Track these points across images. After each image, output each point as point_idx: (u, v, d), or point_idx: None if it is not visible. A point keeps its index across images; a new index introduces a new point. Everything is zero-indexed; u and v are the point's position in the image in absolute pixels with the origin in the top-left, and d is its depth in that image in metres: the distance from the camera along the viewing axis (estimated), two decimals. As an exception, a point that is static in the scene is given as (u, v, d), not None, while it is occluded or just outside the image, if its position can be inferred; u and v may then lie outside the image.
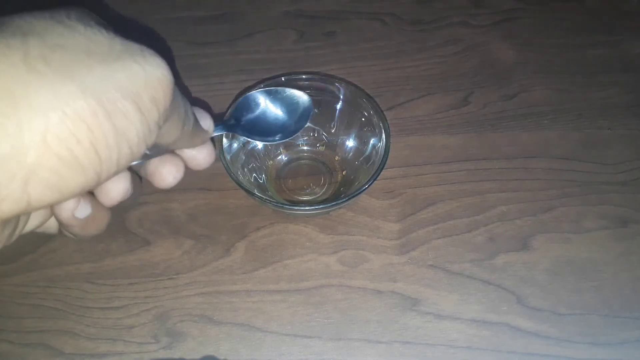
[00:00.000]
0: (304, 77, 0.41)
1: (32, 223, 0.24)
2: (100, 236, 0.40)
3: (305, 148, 0.43)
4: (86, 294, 0.37)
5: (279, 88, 0.33)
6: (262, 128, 0.33)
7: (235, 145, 0.38)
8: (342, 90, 0.40)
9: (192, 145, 0.26)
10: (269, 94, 0.33)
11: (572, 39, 0.52)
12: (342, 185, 0.41)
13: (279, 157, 0.43)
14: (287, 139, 0.34)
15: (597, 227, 0.40)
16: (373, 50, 0.51)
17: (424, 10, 0.54)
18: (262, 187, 0.40)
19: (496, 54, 0.51)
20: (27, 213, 0.19)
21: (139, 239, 0.39)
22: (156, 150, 0.25)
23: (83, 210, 0.23)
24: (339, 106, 0.41)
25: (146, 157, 0.25)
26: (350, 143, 0.42)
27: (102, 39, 0.18)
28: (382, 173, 0.36)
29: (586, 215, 0.41)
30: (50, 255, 0.39)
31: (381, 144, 0.37)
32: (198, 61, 0.50)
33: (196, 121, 0.25)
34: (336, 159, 0.43)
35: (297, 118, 0.34)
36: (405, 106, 0.47)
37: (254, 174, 0.41)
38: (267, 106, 0.33)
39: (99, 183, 0.19)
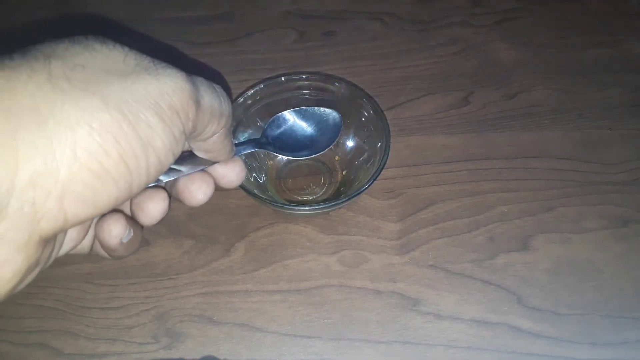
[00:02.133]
0: (304, 77, 0.41)
1: (66, 247, 0.24)
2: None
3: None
4: (86, 294, 0.37)
5: (309, 107, 0.35)
6: (292, 144, 0.34)
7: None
8: (342, 90, 0.40)
9: (221, 152, 0.26)
10: (299, 112, 0.35)
11: (572, 39, 0.52)
12: (342, 185, 0.41)
13: (279, 157, 0.43)
14: (317, 154, 0.35)
15: (597, 227, 0.40)
16: (373, 50, 0.51)
17: (424, 10, 0.54)
18: (262, 187, 0.40)
19: (496, 54, 0.51)
20: (64, 231, 0.19)
21: (139, 239, 0.39)
22: (189, 164, 0.25)
23: (128, 234, 0.24)
24: (339, 106, 0.41)
25: (179, 174, 0.25)
26: (350, 143, 0.42)
27: (117, 55, 0.19)
28: (382, 173, 0.36)
29: (586, 215, 0.41)
30: (50, 256, 0.39)
31: (381, 144, 0.37)
32: (198, 61, 0.50)
33: (231, 132, 0.26)
34: (336, 159, 0.43)
35: (327, 134, 0.35)
36: (405, 106, 0.47)
37: (254, 174, 0.41)
38: (296, 123, 0.35)
39: (131, 194, 0.19)
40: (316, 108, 0.35)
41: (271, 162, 0.43)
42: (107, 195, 0.18)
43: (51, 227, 0.18)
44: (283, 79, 0.40)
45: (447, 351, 0.35)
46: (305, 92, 0.41)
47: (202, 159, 0.26)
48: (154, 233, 0.40)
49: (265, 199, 0.35)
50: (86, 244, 0.26)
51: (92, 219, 0.20)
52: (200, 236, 0.40)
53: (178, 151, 0.21)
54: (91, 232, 0.26)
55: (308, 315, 0.36)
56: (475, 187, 0.42)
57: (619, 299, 0.37)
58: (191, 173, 0.26)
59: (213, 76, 0.24)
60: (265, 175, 0.42)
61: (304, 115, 0.35)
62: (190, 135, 0.22)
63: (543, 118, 0.46)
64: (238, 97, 0.39)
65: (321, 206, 0.35)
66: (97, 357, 0.35)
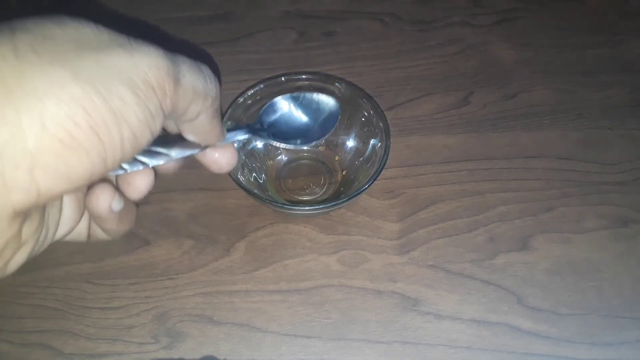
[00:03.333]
0: (304, 77, 0.41)
1: (62, 230, 0.24)
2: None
3: (305, 148, 0.43)
4: (86, 294, 0.37)
5: (306, 93, 0.34)
6: (288, 132, 0.33)
7: (235, 145, 0.38)
8: (342, 90, 0.40)
9: (209, 135, 0.26)
10: (295, 99, 0.34)
11: (572, 39, 0.52)
12: (342, 186, 0.41)
13: (279, 157, 0.43)
14: (314, 142, 0.33)
15: (597, 227, 0.40)
16: (373, 50, 0.51)
17: (424, 10, 0.54)
18: (262, 187, 0.40)
19: (496, 54, 0.51)
20: (40, 205, 0.18)
21: (139, 239, 0.39)
22: (178, 148, 0.25)
23: (117, 202, 0.24)
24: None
25: (168, 158, 0.25)
26: (350, 143, 0.42)
27: (90, 31, 0.19)
28: (382, 173, 0.36)
29: (586, 215, 0.41)
30: (50, 255, 0.39)
31: (381, 144, 0.37)
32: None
33: (219, 113, 0.25)
34: (336, 159, 0.43)
35: (323, 122, 0.34)
36: (405, 106, 0.47)
37: (254, 174, 0.41)
38: (292, 110, 0.34)
39: (107, 170, 0.19)
40: (314, 95, 0.34)
41: (271, 162, 0.43)
42: (81, 168, 0.18)
43: (24, 200, 0.17)
44: (283, 79, 0.40)
45: (447, 351, 0.35)
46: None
47: (192, 143, 0.25)
48: (154, 233, 0.40)
49: (265, 199, 0.35)
50: (83, 229, 0.26)
51: (72, 193, 0.20)
52: (200, 236, 0.40)
53: (156, 128, 0.20)
54: (87, 216, 0.26)
55: (308, 315, 0.36)
56: (475, 187, 0.42)
57: (619, 299, 0.37)
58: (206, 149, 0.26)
59: (204, 58, 0.24)
60: (265, 175, 0.42)
61: (301, 102, 0.34)
62: (173, 114, 0.22)
63: (543, 118, 0.46)
64: (238, 97, 0.39)
65: (321, 206, 0.35)
66: (97, 357, 0.35)
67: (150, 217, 0.40)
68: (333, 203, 0.35)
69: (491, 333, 0.35)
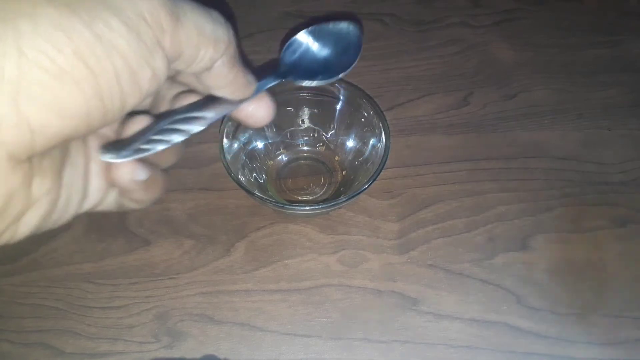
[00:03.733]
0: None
1: (91, 200, 0.23)
2: (100, 236, 0.40)
3: (305, 148, 0.43)
4: (87, 293, 0.37)
5: (322, 24, 0.32)
6: (312, 68, 0.31)
7: (235, 145, 0.38)
8: (342, 91, 0.40)
9: (232, 86, 0.25)
10: (314, 32, 0.31)
11: (572, 39, 0.52)
12: (342, 185, 0.41)
13: (279, 157, 0.43)
14: (345, 73, 0.31)
15: (597, 227, 0.40)
16: (373, 50, 0.51)
17: (424, 10, 0.54)
18: (262, 187, 0.40)
19: (496, 54, 0.51)
20: (39, 149, 0.17)
21: (139, 239, 0.40)
22: (213, 109, 0.24)
23: (141, 171, 0.23)
24: (339, 106, 0.41)
25: (206, 121, 0.24)
26: (350, 143, 0.42)
27: None
28: (382, 173, 0.36)
29: (586, 215, 0.41)
30: (51, 255, 0.39)
31: (381, 144, 0.37)
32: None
33: (238, 55, 0.24)
34: (336, 159, 0.43)
35: (348, 50, 0.32)
36: (405, 106, 0.47)
37: (254, 174, 0.41)
38: (313, 44, 0.32)
39: (105, 108, 0.18)
40: (330, 24, 0.32)
41: (271, 162, 0.43)
42: (73, 102, 0.17)
43: (17, 139, 0.16)
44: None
45: (446, 351, 0.35)
46: (305, 92, 0.41)
47: (225, 101, 0.25)
48: (154, 233, 0.40)
49: (266, 198, 0.36)
50: (111, 199, 0.25)
51: (70, 138, 0.19)
52: (201, 236, 0.40)
53: (156, 66, 0.19)
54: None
55: (308, 314, 0.36)
56: (474, 187, 0.42)
57: (618, 298, 0.37)
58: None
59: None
60: (265, 175, 0.42)
61: (319, 35, 0.32)
62: (182, 60, 0.21)
63: (543, 118, 0.46)
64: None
65: (321, 206, 0.35)
66: (98, 357, 0.35)
67: (151, 217, 0.41)
68: (333, 203, 0.35)
69: (491, 333, 0.35)
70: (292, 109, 0.42)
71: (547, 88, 0.48)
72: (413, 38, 0.52)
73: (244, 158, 0.40)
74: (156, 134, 0.23)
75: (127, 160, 0.22)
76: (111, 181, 0.23)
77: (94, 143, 0.23)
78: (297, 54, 0.31)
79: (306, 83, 0.30)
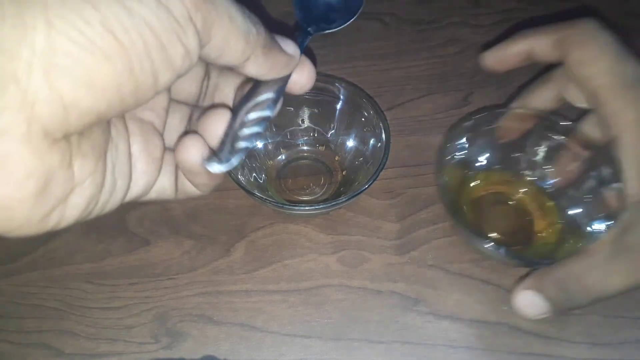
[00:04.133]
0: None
1: (138, 186, 0.23)
2: (99, 236, 0.40)
3: (305, 148, 0.43)
4: (86, 294, 0.37)
5: None
6: (330, 14, 0.31)
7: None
8: (342, 90, 0.40)
9: (274, 70, 0.24)
10: None
11: (572, 39, 0.52)
12: (342, 185, 0.41)
13: (279, 157, 0.43)
14: (359, 12, 0.31)
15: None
16: (373, 50, 0.51)
17: (424, 10, 0.54)
18: (262, 187, 0.40)
19: (496, 54, 0.51)
20: (73, 127, 0.17)
21: (139, 239, 0.40)
22: (271, 88, 0.24)
23: (205, 151, 0.23)
24: (339, 106, 0.41)
25: (274, 99, 0.24)
26: (350, 143, 0.42)
27: None
28: (382, 173, 0.36)
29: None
30: (50, 255, 0.39)
31: (381, 144, 0.37)
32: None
33: (272, 39, 0.23)
34: (336, 159, 0.43)
35: None
36: (405, 106, 0.47)
37: (254, 174, 0.41)
38: None
39: (138, 84, 0.18)
40: None
41: (271, 162, 0.43)
42: (104, 75, 0.17)
43: (51, 114, 0.16)
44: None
45: (447, 351, 0.35)
46: (305, 92, 0.41)
47: (275, 81, 0.25)
48: (154, 233, 0.40)
49: (266, 198, 0.36)
50: (168, 185, 0.25)
51: (106, 117, 0.19)
52: (200, 236, 0.40)
53: (189, 42, 0.18)
54: (168, 168, 0.25)
55: (308, 315, 0.36)
56: (475, 187, 0.42)
57: (619, 299, 0.37)
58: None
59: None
60: (265, 175, 0.42)
61: None
62: (214, 48, 0.20)
63: (543, 118, 0.46)
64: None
65: (321, 206, 0.35)
66: (97, 357, 0.35)
67: (150, 217, 0.40)
68: (333, 203, 0.35)
69: (491, 333, 0.35)
70: (292, 109, 0.42)
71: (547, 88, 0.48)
72: (413, 38, 0.52)
73: (244, 158, 0.40)
74: (242, 128, 0.23)
75: (233, 164, 0.23)
76: (178, 162, 0.23)
77: (135, 127, 0.23)
78: (310, 7, 0.30)
79: (328, 31, 0.30)
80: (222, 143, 0.23)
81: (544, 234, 0.38)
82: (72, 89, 0.16)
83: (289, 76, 0.25)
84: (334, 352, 0.35)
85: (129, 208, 0.41)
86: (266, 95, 0.25)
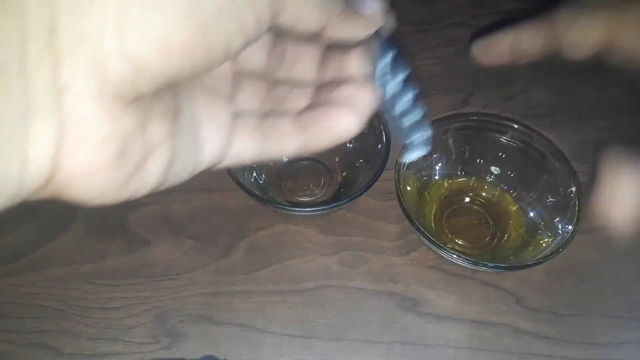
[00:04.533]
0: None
1: (210, 154, 0.22)
2: (100, 236, 0.40)
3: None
4: (86, 294, 0.37)
5: None
6: None
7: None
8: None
9: (357, 31, 0.23)
10: None
11: (572, 39, 0.52)
12: (342, 187, 0.41)
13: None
14: None
15: (597, 227, 0.40)
16: (373, 51, 0.51)
17: (424, 10, 0.54)
18: (262, 188, 0.40)
19: (496, 54, 0.51)
20: (142, 88, 0.17)
21: (139, 239, 0.40)
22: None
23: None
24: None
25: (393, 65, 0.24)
26: (351, 144, 0.42)
27: None
28: (382, 174, 0.36)
29: (586, 215, 0.40)
30: (50, 255, 0.39)
31: (381, 145, 0.37)
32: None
33: (347, 2, 0.23)
34: (336, 160, 0.43)
35: None
36: (405, 107, 0.47)
37: (254, 175, 0.41)
38: None
39: (210, 47, 0.17)
40: None
41: (272, 162, 0.43)
42: (175, 36, 0.16)
43: (124, 77, 0.16)
44: None
45: (446, 351, 0.35)
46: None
47: (375, 38, 0.24)
48: (154, 233, 0.40)
49: (266, 199, 0.36)
50: (244, 148, 0.23)
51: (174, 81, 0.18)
52: (201, 236, 0.40)
53: (263, 8, 0.18)
54: (245, 133, 0.23)
55: (308, 315, 0.36)
56: (475, 187, 0.42)
57: (619, 299, 0.37)
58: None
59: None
60: (265, 176, 0.42)
61: None
62: (285, 12, 0.19)
63: (542, 119, 0.46)
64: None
65: (321, 207, 0.35)
66: (97, 357, 0.35)
67: (151, 217, 0.40)
68: (333, 204, 0.35)
69: (491, 333, 0.35)
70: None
71: (547, 89, 0.48)
72: (413, 38, 0.52)
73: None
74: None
75: (428, 141, 0.24)
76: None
77: (201, 95, 0.22)
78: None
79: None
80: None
81: (507, 238, 0.38)
82: (143, 51, 0.16)
83: (381, 34, 0.24)
84: (333, 352, 0.35)
85: (129, 208, 0.41)
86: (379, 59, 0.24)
